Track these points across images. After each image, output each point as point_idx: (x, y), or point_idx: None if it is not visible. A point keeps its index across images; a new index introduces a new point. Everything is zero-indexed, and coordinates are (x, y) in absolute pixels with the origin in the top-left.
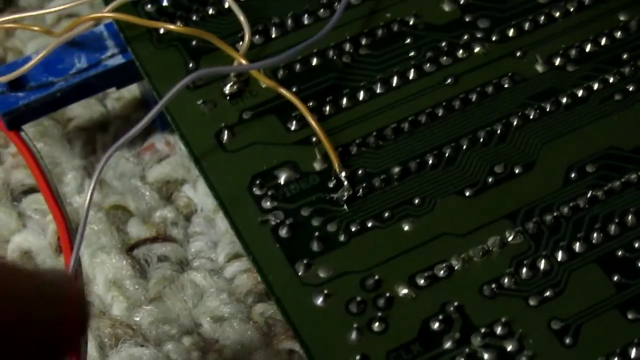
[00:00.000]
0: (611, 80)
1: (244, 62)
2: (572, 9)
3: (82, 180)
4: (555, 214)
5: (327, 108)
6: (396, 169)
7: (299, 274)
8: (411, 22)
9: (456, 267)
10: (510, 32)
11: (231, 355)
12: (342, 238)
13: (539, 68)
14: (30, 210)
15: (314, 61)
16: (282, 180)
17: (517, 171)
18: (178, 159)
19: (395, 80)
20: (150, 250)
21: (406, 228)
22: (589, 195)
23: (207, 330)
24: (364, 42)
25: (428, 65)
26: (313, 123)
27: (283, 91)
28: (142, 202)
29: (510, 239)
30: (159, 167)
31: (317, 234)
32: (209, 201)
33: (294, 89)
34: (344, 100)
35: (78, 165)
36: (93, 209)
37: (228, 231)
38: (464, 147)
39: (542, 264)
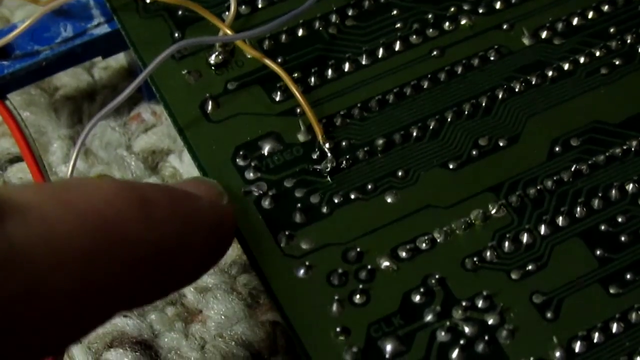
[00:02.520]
0: (597, 54)
1: (229, 32)
2: None
3: (68, 150)
4: (539, 187)
5: (313, 79)
6: (380, 141)
7: (281, 245)
8: None
9: (439, 240)
10: (497, 5)
11: (214, 326)
12: (324, 210)
13: (526, 41)
14: (16, 179)
15: (300, 32)
16: (265, 151)
17: (501, 144)
18: (164, 129)
19: (381, 52)
20: None
21: (389, 200)
22: (573, 169)
23: (190, 300)
24: (350, 13)
25: (414, 37)
26: (297, 94)
27: (268, 62)
28: (128, 172)
29: (493, 212)
30: (145, 137)
31: (299, 205)
32: (195, 172)
33: (280, 60)
34: (329, 72)
35: (64, 134)
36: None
37: None
38: (449, 119)
39: (524, 238)
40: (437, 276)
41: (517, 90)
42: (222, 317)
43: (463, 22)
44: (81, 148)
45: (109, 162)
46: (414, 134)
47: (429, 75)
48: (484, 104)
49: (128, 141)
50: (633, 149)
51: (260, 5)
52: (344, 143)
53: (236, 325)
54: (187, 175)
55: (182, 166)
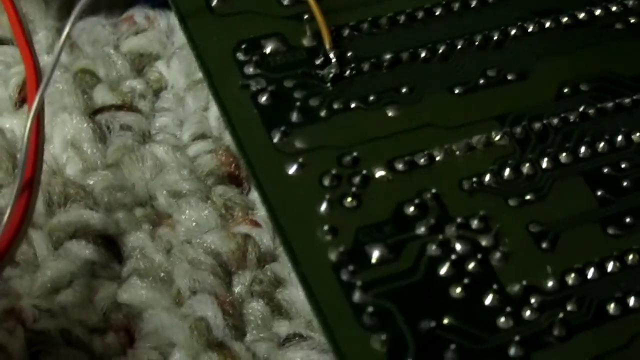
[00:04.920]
0: (614, 9)
1: None
2: None
3: (53, 42)
4: (544, 122)
5: None
6: (387, 56)
7: (274, 140)
8: None
9: (437, 158)
10: None
11: (183, 232)
12: (323, 114)
13: None
14: None
15: None
16: (268, 50)
17: (509, 78)
18: (155, 34)
19: None
20: (114, 117)
21: (390, 114)
22: (580, 110)
23: (161, 204)
24: None
25: None
26: None
27: None
28: (113, 70)
29: (496, 139)
30: (135, 38)
31: (298, 104)
32: (182, 80)
33: None
34: None
35: (51, 25)
36: (60, 69)
37: (196, 111)
38: (459, 47)
39: (525, 168)
40: (433, 191)
41: (529, 30)
42: (193, 223)
43: None
44: (67, 40)
45: (94, 58)
46: (422, 55)
47: (444, 3)
48: (495, 38)
49: (116, 40)
50: None
51: None
52: (349, 54)
53: (206, 234)
54: (173, 83)
55: (169, 73)
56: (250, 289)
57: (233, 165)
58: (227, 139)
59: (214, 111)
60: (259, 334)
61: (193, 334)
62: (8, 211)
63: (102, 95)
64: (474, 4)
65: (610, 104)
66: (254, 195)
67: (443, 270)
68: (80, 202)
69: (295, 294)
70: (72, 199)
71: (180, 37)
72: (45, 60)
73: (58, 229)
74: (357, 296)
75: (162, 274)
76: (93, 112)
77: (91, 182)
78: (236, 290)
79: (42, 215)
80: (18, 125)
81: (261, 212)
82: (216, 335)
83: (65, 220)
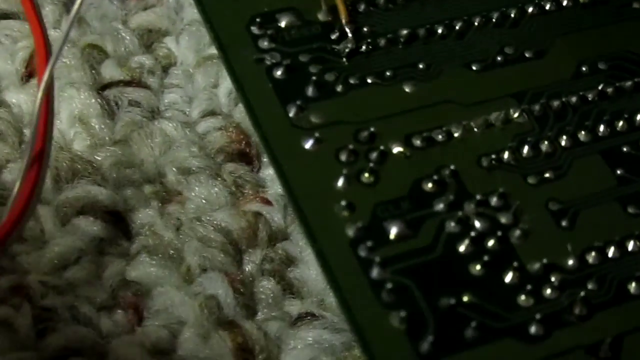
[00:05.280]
0: None
1: None
2: None
3: (60, 16)
4: (563, 100)
5: None
6: (404, 32)
7: (290, 115)
8: None
9: (455, 135)
10: None
11: (193, 209)
12: (339, 89)
13: None
14: (2, 35)
15: None
16: (283, 24)
17: (527, 55)
18: (164, 10)
19: None
20: (122, 92)
21: (407, 90)
22: (599, 88)
23: (171, 180)
24: None
25: None
26: None
27: None
28: (121, 46)
29: (515, 116)
30: (144, 14)
31: (314, 79)
32: (191, 56)
33: None
34: None
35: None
36: (68, 44)
37: (206, 88)
38: (476, 24)
39: (544, 146)
40: (451, 167)
41: (547, 8)
42: (203, 201)
43: None
44: (76, 15)
45: (102, 34)
46: (439, 31)
47: None
48: (512, 15)
49: (125, 16)
50: None
51: None
52: (365, 29)
53: (217, 211)
54: (182, 59)
55: (178, 49)
56: (261, 268)
57: (243, 142)
58: (238, 116)
59: (223, 88)
60: (270, 313)
61: (203, 312)
62: (17, 185)
63: (110, 71)
64: None
65: (629, 83)
66: (265, 173)
67: (462, 247)
68: (88, 178)
69: (307, 273)
70: (80, 175)
71: (189, 13)
72: (52, 35)
73: (66, 205)
74: (375, 272)
75: (171, 252)
76: (101, 88)
77: (99, 158)
78: (247, 269)
79: (50, 191)
80: (25, 100)
81: (272, 190)
82: (227, 314)
83: (73, 196)
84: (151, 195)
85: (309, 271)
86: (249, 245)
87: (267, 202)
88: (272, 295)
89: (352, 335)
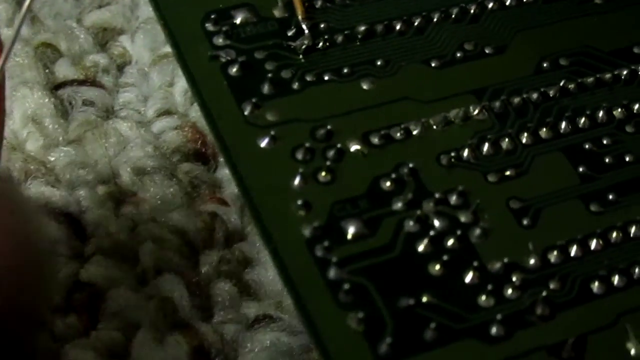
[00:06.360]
0: None
1: None
2: None
3: (13, 14)
4: (523, 97)
5: None
6: (361, 28)
7: (245, 113)
8: None
9: (414, 132)
10: None
11: (148, 210)
12: (295, 86)
13: None
14: None
15: None
16: (238, 21)
17: (487, 51)
18: (120, 8)
19: None
20: (76, 92)
21: (365, 87)
22: (561, 84)
23: (125, 181)
24: None
25: None
26: None
27: None
28: (75, 44)
29: (474, 113)
30: (99, 12)
31: (269, 76)
32: (146, 55)
33: None
34: None
35: None
36: (20, 43)
37: (161, 87)
38: (435, 19)
39: (505, 143)
40: (410, 166)
41: (507, 4)
42: (158, 201)
43: None
44: (27, 13)
45: (56, 32)
46: (398, 27)
47: None
48: (472, 11)
49: (79, 14)
50: (623, 77)
51: None
52: (322, 25)
53: (172, 212)
54: (137, 58)
55: (133, 47)
56: (217, 269)
57: (199, 142)
58: (193, 115)
59: (179, 87)
60: (227, 316)
61: (158, 314)
62: None
63: (64, 70)
64: None
65: (590, 79)
66: (221, 173)
67: (421, 247)
68: (41, 178)
69: (264, 275)
70: (33, 176)
71: (144, 11)
72: (5, 33)
73: None
74: (332, 273)
75: (126, 253)
76: (55, 87)
77: (52, 159)
78: (203, 270)
79: None
80: None
81: (229, 190)
82: (182, 316)
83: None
84: (105, 195)
85: (267, 273)
86: (205, 246)
87: (224, 203)
88: (228, 297)
89: (309, 337)
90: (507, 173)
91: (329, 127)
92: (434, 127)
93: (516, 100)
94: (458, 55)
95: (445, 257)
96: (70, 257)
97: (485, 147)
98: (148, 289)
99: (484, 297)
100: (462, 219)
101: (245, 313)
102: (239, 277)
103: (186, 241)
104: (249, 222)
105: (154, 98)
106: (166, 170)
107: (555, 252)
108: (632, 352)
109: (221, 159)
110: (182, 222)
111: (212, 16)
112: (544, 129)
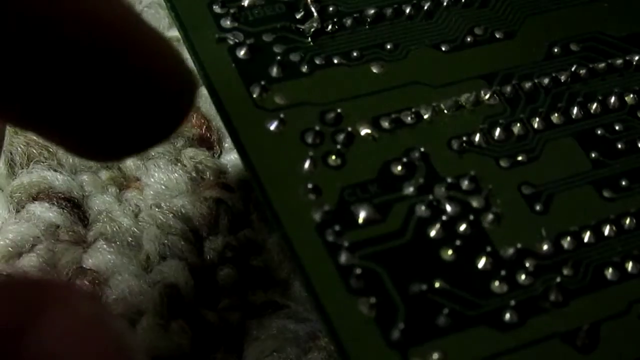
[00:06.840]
0: None
1: None
2: None
3: None
4: (534, 82)
5: None
6: (370, 11)
7: (254, 96)
8: None
9: (425, 116)
10: None
11: (152, 195)
12: (304, 69)
13: None
14: None
15: None
16: (246, 3)
17: (497, 36)
18: None
19: None
20: None
21: (375, 70)
22: (572, 69)
23: (129, 166)
24: None
25: None
26: None
27: None
28: None
29: (485, 97)
30: None
31: (278, 59)
32: None
33: None
34: None
35: None
36: None
37: None
38: (444, 3)
39: (516, 129)
40: (421, 150)
41: None
42: (162, 187)
43: None
44: None
45: None
46: (407, 11)
47: None
48: None
49: None
50: (634, 63)
51: None
52: (330, 8)
53: (176, 197)
54: None
55: None
56: (222, 255)
57: (204, 127)
58: (199, 100)
59: None
60: (232, 302)
61: (162, 301)
62: None
63: None
64: None
65: (601, 65)
66: (226, 159)
67: (433, 232)
68: (44, 163)
69: (269, 261)
70: (36, 160)
71: None
72: None
73: (20, 191)
74: (343, 258)
75: (129, 239)
76: None
77: None
78: (208, 257)
79: (3, 176)
80: None
81: (233, 176)
82: (187, 303)
83: (28, 181)
84: (109, 181)
85: (272, 259)
86: (209, 232)
87: (229, 189)
88: (233, 283)
89: (318, 323)
90: (519, 158)
91: (338, 110)
92: (445, 111)
93: (527, 85)
94: (468, 39)
95: (457, 243)
96: (73, 243)
97: (497, 132)
98: (152, 275)
99: (497, 283)
100: (474, 204)
101: (251, 300)
102: (244, 264)
103: (191, 227)
104: (254, 208)
105: None
106: (170, 156)
107: (568, 238)
108: None
109: (226, 144)
110: (186, 208)
111: None
112: (556, 114)
